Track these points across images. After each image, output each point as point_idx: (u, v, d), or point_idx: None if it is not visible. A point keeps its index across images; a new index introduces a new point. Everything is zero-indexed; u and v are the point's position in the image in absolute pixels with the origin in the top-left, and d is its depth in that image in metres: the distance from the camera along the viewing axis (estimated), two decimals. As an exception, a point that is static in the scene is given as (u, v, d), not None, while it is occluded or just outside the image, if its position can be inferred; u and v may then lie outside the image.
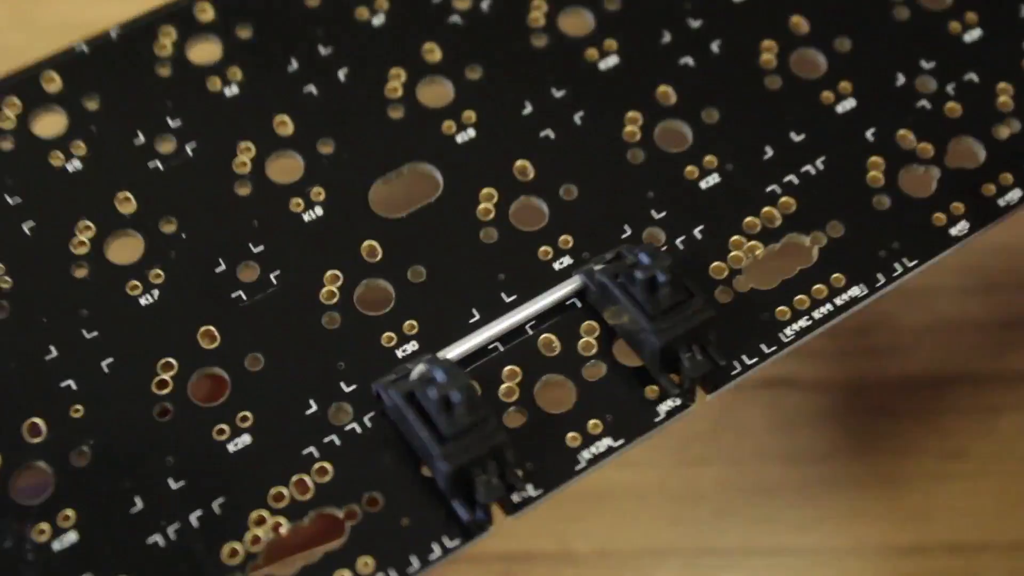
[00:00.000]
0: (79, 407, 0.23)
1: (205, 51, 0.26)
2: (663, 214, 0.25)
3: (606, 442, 0.23)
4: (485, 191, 0.25)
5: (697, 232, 0.24)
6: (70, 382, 0.23)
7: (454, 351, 0.23)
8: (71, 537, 0.22)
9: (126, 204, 0.25)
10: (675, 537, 0.29)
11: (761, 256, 0.24)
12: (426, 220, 0.25)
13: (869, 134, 0.26)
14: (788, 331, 0.24)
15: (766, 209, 0.25)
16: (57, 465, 0.22)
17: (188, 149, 0.25)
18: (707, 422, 0.29)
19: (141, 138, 0.25)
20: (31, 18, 0.35)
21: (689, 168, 0.25)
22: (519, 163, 0.25)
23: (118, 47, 0.26)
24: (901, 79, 0.26)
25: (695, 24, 0.27)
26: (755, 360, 0.23)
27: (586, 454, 0.23)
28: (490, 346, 0.23)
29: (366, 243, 0.24)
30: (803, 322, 0.24)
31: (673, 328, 0.22)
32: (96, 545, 0.22)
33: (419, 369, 0.23)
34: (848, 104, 0.26)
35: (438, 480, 0.22)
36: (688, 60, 0.26)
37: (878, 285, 0.24)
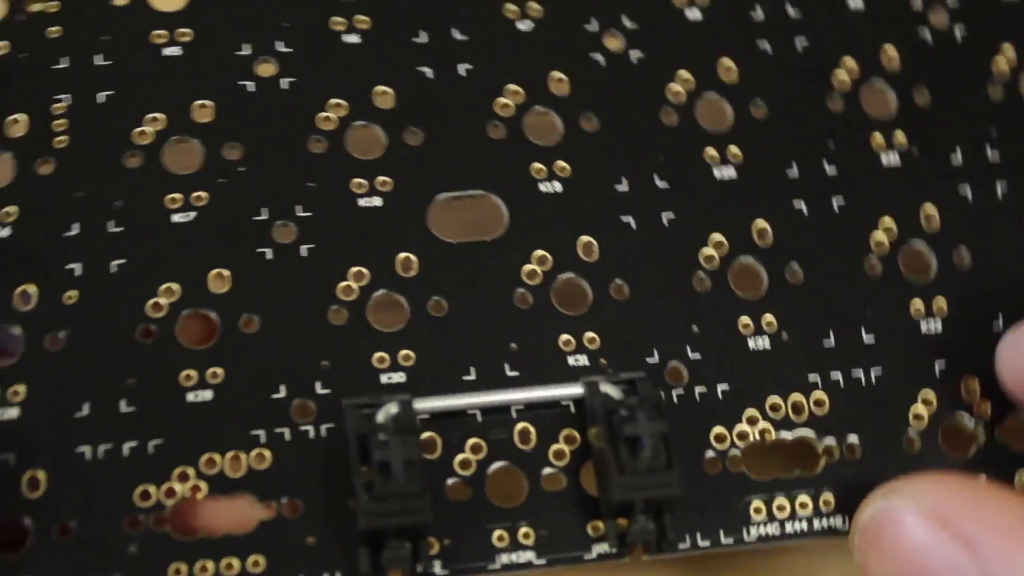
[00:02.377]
0: (73, 294, 0.23)
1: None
2: (697, 355, 0.24)
3: (528, 556, 0.22)
4: (540, 253, 0.24)
5: (720, 389, 0.23)
6: (76, 266, 0.23)
7: (432, 404, 0.23)
8: (12, 413, 0.22)
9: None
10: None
11: (769, 442, 0.23)
12: (472, 257, 0.24)
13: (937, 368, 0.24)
14: (753, 531, 0.23)
15: (796, 397, 0.24)
16: (31, 338, 0.23)
17: (284, 82, 0.25)
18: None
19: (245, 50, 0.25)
20: None
21: (745, 321, 0.24)
22: (586, 239, 0.24)
23: None
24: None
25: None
26: (707, 544, 0.23)
27: (504, 558, 0.22)
28: (469, 410, 0.23)
29: (404, 254, 0.24)
30: (771, 528, 0.23)
31: (633, 491, 0.22)
32: (29, 430, 0.22)
33: (388, 409, 0.22)
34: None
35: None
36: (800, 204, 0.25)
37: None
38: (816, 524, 0.23)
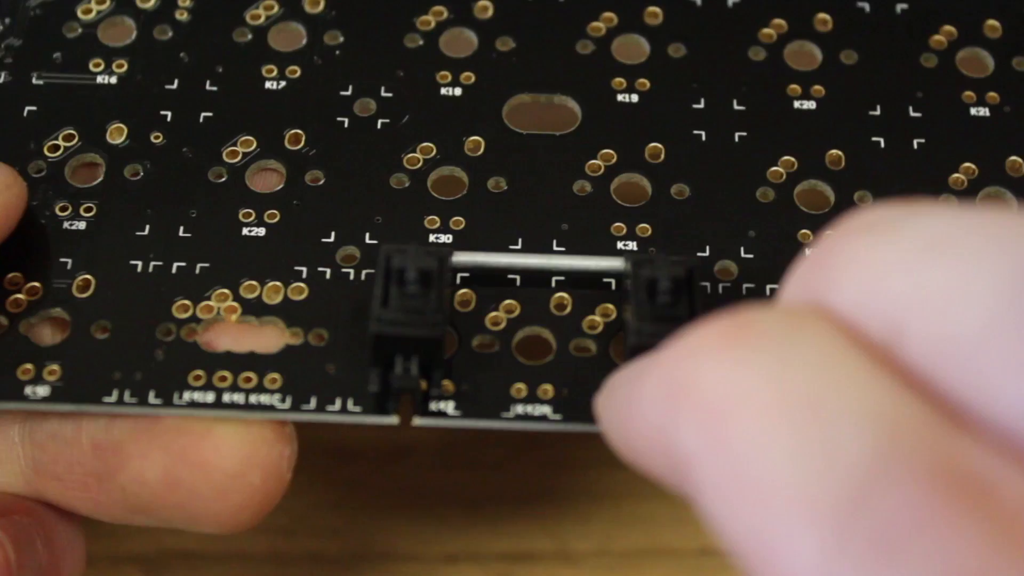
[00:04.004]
0: (159, 135, 0.25)
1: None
2: (750, 256, 0.23)
3: (544, 409, 0.22)
4: (606, 151, 0.24)
5: (768, 287, 0.23)
6: (167, 113, 0.25)
7: (469, 257, 0.23)
8: (80, 225, 0.23)
9: None
10: (675, 537, 0.28)
11: None
12: (539, 146, 0.24)
13: None
14: None
15: None
16: (112, 167, 0.24)
17: None
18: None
19: None
20: None
21: (805, 232, 0.23)
22: (655, 145, 0.24)
23: None
24: None
25: None
26: None
27: (519, 408, 0.22)
28: (509, 275, 0.23)
29: (474, 137, 0.25)
30: None
31: (649, 337, 0.21)
32: (92, 241, 0.23)
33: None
34: None
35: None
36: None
37: None
38: None
